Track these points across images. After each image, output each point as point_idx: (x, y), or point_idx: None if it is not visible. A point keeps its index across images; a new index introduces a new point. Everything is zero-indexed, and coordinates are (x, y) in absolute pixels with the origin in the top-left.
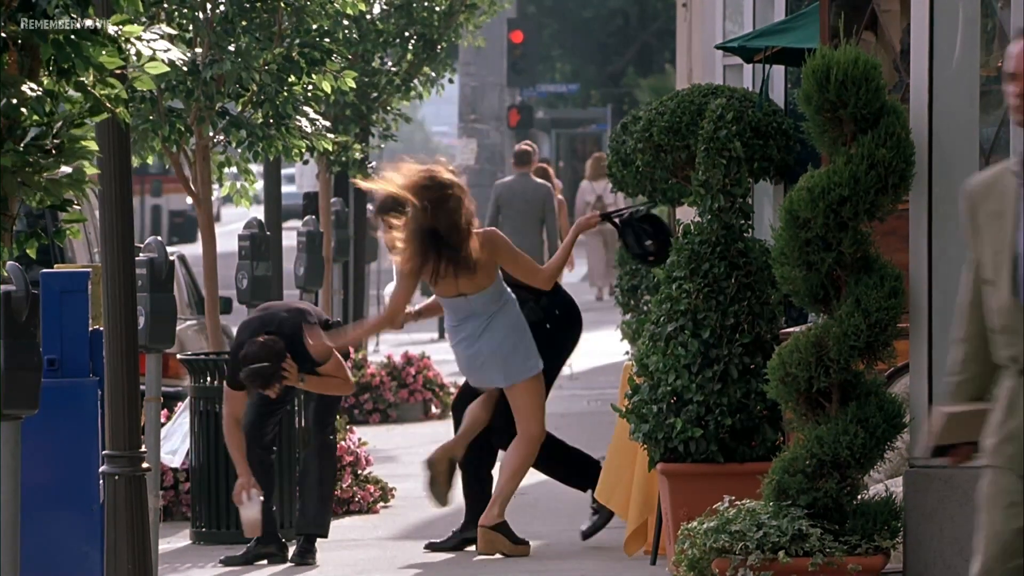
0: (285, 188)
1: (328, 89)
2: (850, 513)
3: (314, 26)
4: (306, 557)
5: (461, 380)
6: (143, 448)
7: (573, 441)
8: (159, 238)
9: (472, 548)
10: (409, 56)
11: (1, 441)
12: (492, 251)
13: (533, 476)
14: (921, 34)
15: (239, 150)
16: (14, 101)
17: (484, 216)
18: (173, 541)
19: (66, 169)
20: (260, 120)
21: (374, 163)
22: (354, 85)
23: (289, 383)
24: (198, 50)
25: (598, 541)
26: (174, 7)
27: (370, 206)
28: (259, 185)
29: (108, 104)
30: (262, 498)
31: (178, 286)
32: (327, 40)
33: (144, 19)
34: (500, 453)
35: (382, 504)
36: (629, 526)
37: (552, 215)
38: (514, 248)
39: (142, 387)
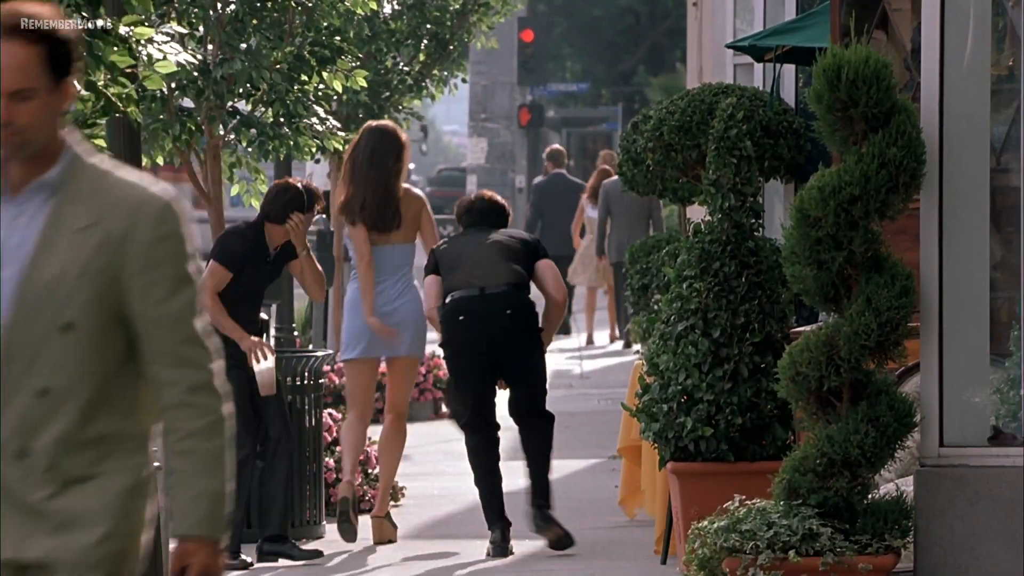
0: None
1: (339, 88)
2: (861, 512)
3: (324, 24)
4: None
5: None
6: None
7: (583, 441)
8: None
9: (478, 548)
10: (421, 56)
11: None
12: (418, 209)
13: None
14: (932, 33)
15: (249, 149)
16: None
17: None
18: None
19: None
20: (271, 119)
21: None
22: (365, 84)
23: (299, 233)
24: (209, 47)
25: (609, 540)
26: (185, 6)
27: None
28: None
29: (119, 103)
30: (274, 355)
31: None
32: (338, 38)
33: (155, 17)
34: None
35: (393, 503)
36: (658, 529)
37: (659, 211)
38: (433, 220)
39: None
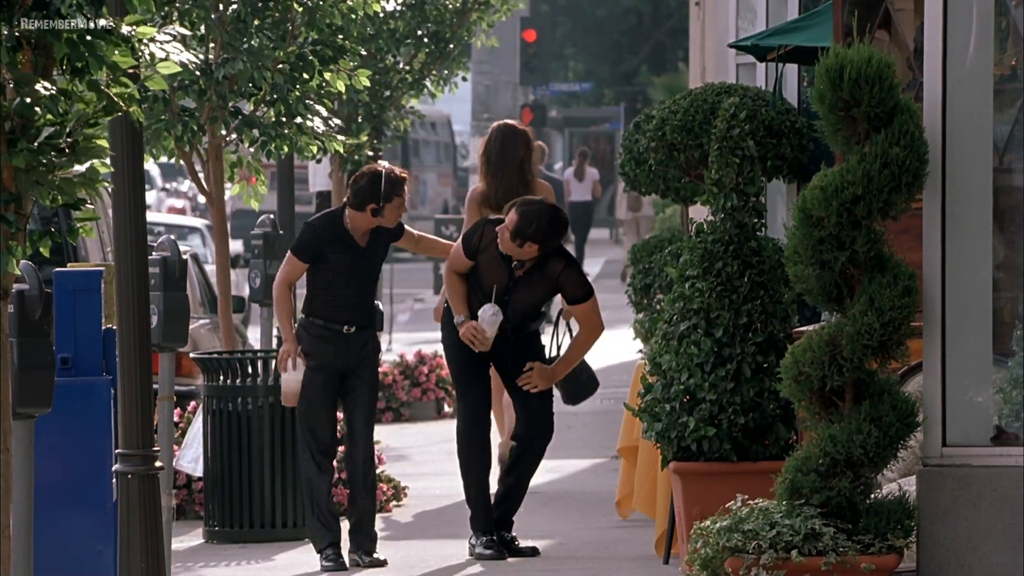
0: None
1: (342, 88)
2: (863, 512)
3: (327, 23)
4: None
5: None
6: (156, 447)
7: (585, 440)
8: (172, 237)
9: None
10: (421, 55)
11: (15, 439)
12: (546, 196)
13: (545, 476)
14: (935, 32)
15: (251, 149)
16: (28, 100)
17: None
18: (186, 540)
19: (79, 168)
20: (273, 119)
21: (387, 162)
22: (368, 84)
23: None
24: (211, 45)
25: (611, 540)
26: (187, 6)
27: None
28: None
29: (121, 103)
30: (304, 367)
31: (191, 285)
32: (340, 37)
33: (157, 18)
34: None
35: (395, 503)
36: (658, 529)
37: None
38: None
39: (155, 386)
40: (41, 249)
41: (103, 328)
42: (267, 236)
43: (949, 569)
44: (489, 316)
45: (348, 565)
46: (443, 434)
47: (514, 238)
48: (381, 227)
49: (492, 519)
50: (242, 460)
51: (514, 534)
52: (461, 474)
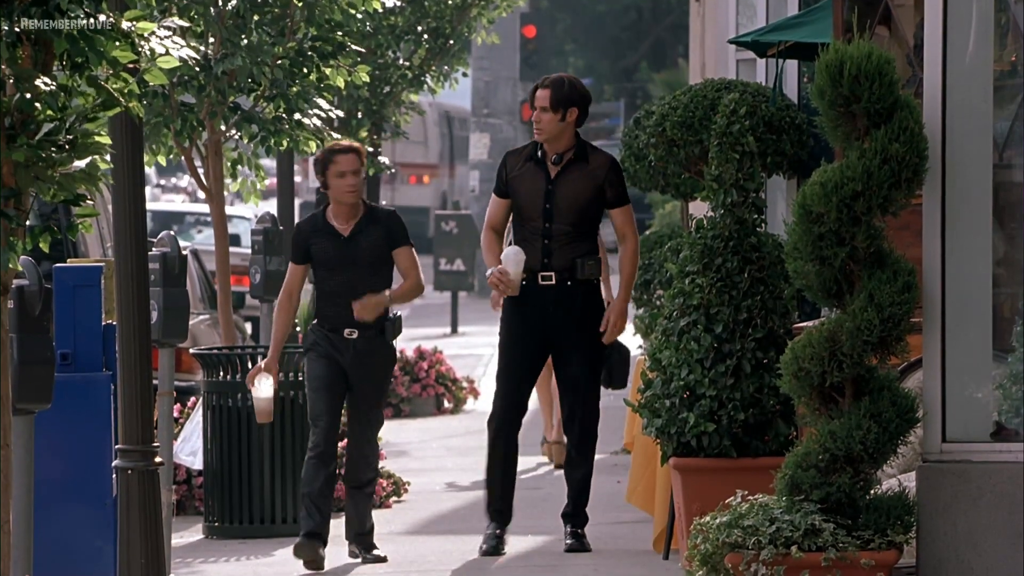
0: None
1: (341, 84)
2: (863, 508)
3: (326, 18)
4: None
5: (474, 374)
6: (156, 442)
7: None
8: (171, 233)
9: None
10: (421, 51)
11: (14, 435)
12: None
13: (545, 471)
14: (935, 28)
15: (251, 145)
16: (28, 96)
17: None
18: (186, 536)
19: (79, 164)
20: (272, 115)
21: (387, 159)
22: (368, 79)
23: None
24: (211, 40)
25: (611, 536)
26: (186, 2)
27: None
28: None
29: (121, 98)
30: (274, 384)
31: (190, 281)
32: (339, 33)
33: (156, 13)
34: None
35: (395, 499)
36: (656, 525)
37: None
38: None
39: (155, 382)
40: (41, 245)
41: (103, 324)
42: (267, 232)
43: (949, 565)
44: (512, 255)
45: (324, 557)
46: (443, 430)
47: (556, 108)
48: (367, 218)
49: (504, 511)
50: (242, 456)
51: (581, 530)
52: (486, 464)
